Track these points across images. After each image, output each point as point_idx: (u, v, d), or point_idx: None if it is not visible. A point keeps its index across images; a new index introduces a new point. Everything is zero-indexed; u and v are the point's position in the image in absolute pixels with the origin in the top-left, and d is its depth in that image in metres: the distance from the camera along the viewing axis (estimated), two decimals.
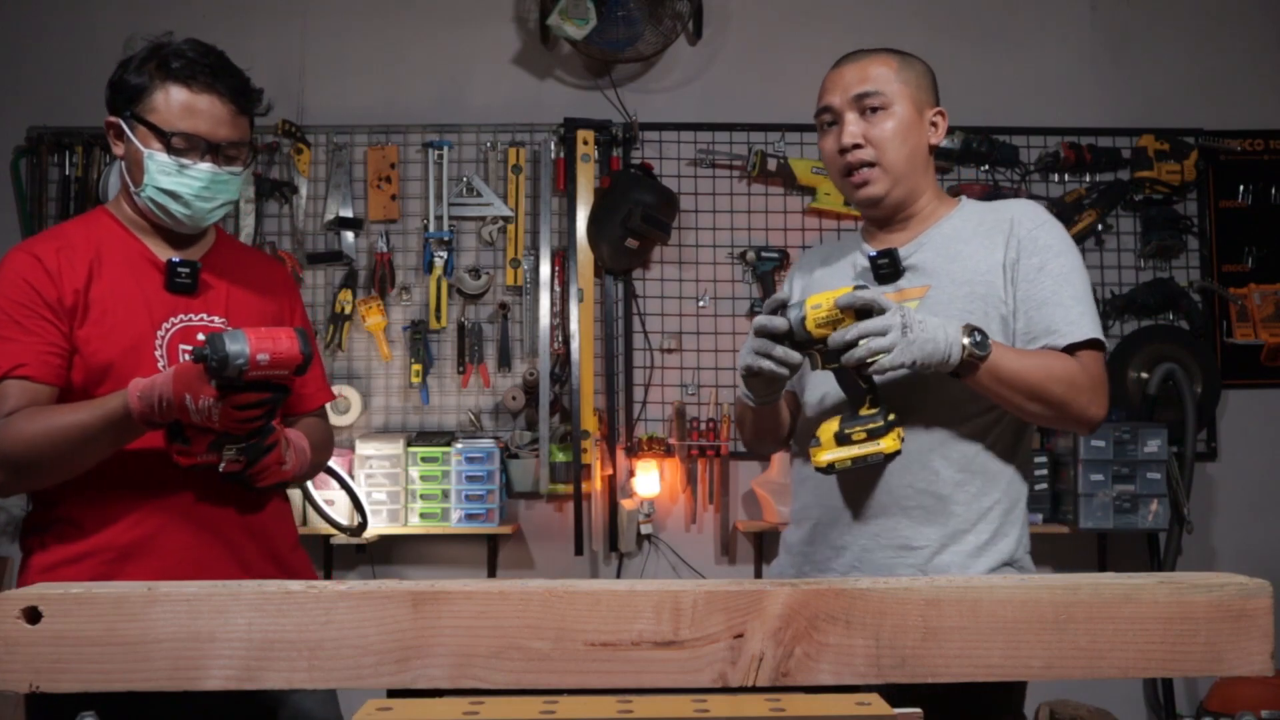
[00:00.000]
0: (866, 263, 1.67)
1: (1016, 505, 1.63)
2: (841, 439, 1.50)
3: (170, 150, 1.60)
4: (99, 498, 1.58)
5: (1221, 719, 3.06)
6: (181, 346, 1.64)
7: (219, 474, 1.57)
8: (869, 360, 1.42)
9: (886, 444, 1.48)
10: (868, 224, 1.76)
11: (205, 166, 1.62)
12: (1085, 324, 1.55)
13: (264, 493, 1.68)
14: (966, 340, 1.45)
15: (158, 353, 1.61)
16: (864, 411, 1.50)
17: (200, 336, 1.64)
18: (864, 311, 1.42)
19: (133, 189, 1.64)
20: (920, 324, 1.43)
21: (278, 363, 1.47)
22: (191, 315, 1.66)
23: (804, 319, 1.46)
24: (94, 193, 3.59)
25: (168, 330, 1.63)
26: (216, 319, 1.68)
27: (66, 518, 1.59)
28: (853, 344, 1.42)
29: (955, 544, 1.58)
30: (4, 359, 1.53)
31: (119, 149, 1.65)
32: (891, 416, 1.50)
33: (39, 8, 3.77)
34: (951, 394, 1.56)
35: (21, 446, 1.50)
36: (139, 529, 1.59)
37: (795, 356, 1.50)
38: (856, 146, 1.62)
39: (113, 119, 1.64)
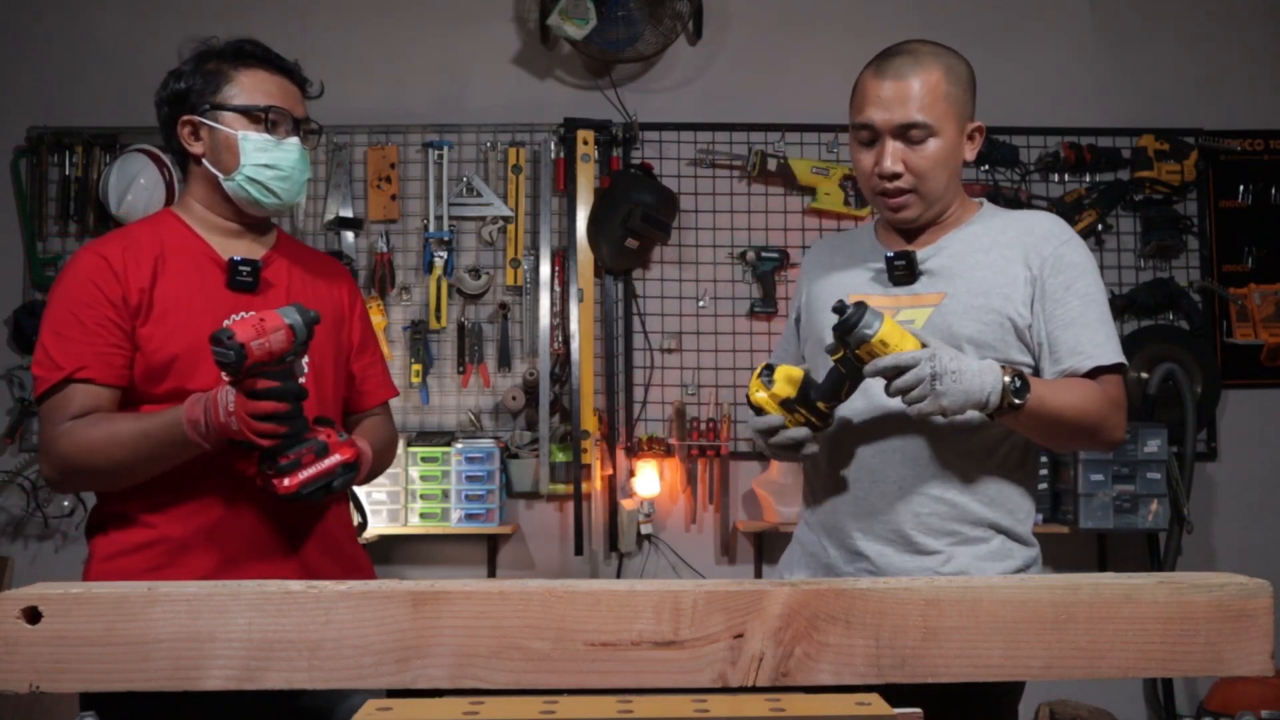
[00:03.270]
0: (883, 264, 1.65)
1: (1027, 518, 1.64)
2: (788, 405, 1.52)
3: (266, 125, 1.66)
4: (158, 490, 1.59)
5: (1221, 719, 3.06)
6: None
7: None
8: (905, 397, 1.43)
9: (809, 447, 1.54)
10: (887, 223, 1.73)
11: (294, 140, 1.69)
12: (1110, 348, 1.56)
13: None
14: (1006, 384, 1.43)
15: None
16: (822, 406, 1.51)
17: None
18: (894, 370, 1.42)
19: (223, 179, 1.67)
20: (954, 375, 1.41)
21: (268, 350, 1.45)
22: (253, 313, 1.67)
23: (862, 340, 1.42)
24: (94, 193, 3.58)
25: None
26: None
27: (127, 511, 1.61)
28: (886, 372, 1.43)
29: (969, 546, 1.58)
30: (68, 360, 1.56)
31: (197, 148, 1.68)
32: (830, 426, 1.54)
33: (39, 8, 3.77)
34: None
35: (83, 452, 1.54)
36: (197, 520, 1.60)
37: (802, 433, 1.52)
38: (896, 175, 1.59)
39: (189, 117, 1.67)
